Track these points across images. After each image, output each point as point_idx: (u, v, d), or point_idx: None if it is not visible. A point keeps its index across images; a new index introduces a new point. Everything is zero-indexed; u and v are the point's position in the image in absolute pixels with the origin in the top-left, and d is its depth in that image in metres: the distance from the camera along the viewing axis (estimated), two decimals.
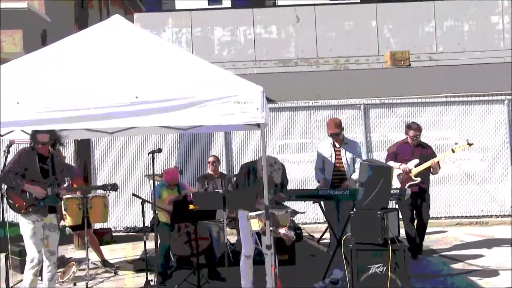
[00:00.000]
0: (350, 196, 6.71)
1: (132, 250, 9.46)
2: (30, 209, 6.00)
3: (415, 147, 7.86)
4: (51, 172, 6.19)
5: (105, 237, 9.86)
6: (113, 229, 10.48)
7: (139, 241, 10.04)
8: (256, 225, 5.33)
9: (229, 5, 24.47)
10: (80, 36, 6.45)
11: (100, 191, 7.48)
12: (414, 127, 7.80)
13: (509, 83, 14.51)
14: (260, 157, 5.73)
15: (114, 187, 7.04)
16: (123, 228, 10.73)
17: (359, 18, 20.93)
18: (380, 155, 10.39)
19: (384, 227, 5.51)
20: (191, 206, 5.80)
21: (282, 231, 5.53)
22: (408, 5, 21.49)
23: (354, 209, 5.93)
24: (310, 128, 11.00)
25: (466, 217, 10.96)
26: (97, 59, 5.67)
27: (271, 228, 5.22)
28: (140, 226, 10.51)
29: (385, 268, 5.52)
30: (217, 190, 8.31)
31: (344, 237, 6.00)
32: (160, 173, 8.10)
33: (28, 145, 6.19)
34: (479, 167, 11.20)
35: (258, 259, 6.44)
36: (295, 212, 7.84)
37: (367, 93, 13.50)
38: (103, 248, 8.54)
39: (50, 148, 6.17)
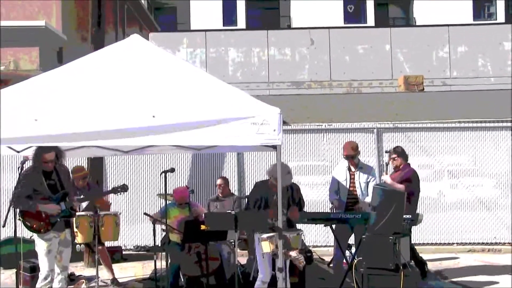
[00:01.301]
0: (361, 220, 6.68)
1: (142, 269, 9.45)
2: (49, 228, 6.03)
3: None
4: (59, 186, 6.23)
5: (115, 255, 9.84)
6: (123, 248, 10.47)
7: (149, 260, 10.05)
8: (267, 247, 5.32)
9: (244, 26, 24.67)
10: (98, 54, 6.56)
11: (110, 209, 7.50)
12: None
13: None
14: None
15: (124, 188, 7.09)
16: (134, 246, 10.70)
17: (373, 42, 21.02)
18: None
19: (396, 252, 5.48)
20: (202, 226, 5.80)
21: (293, 254, 5.51)
22: (423, 29, 21.60)
23: (366, 233, 5.90)
24: (323, 151, 10.98)
25: (479, 243, 10.84)
26: (114, 77, 5.76)
27: (283, 251, 5.21)
28: (151, 245, 10.56)
29: None
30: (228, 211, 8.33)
31: (356, 261, 5.97)
32: (172, 193, 8.13)
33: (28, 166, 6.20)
34: (492, 194, 11.13)
35: (269, 282, 6.42)
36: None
37: (380, 117, 13.48)
38: (113, 267, 8.54)
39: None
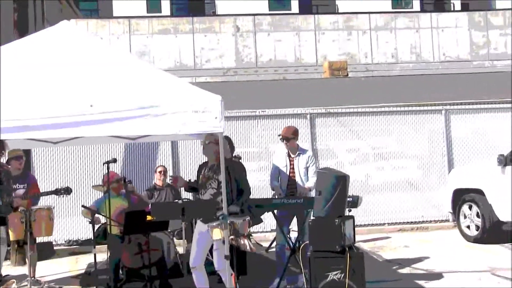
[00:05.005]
0: (304, 205, 6.76)
1: (76, 264, 9.17)
2: None
3: None
4: None
5: (45, 251, 9.49)
6: (54, 243, 10.11)
7: (82, 254, 9.79)
8: (218, 234, 5.28)
9: (169, 13, 24.28)
10: (26, 41, 6.22)
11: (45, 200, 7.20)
12: None
13: (444, 93, 15.07)
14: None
15: (67, 190, 6.81)
16: (65, 241, 10.36)
17: (298, 28, 21.24)
18: (325, 164, 10.58)
19: (342, 234, 5.58)
20: (148, 217, 5.67)
21: (242, 240, 5.50)
22: (346, 17, 22.02)
23: (312, 217, 5.97)
24: (258, 137, 11.03)
25: (408, 223, 11.26)
26: (47, 66, 5.48)
27: (231, 237, 5.19)
28: (84, 239, 10.26)
29: (342, 275, 5.57)
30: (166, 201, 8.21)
31: (303, 245, 6.03)
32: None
33: None
34: (415, 175, 11.56)
35: (210, 270, 6.38)
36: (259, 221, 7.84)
37: (309, 103, 13.67)
38: (44, 263, 8.22)
39: None
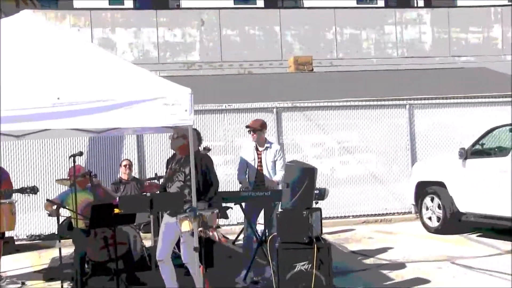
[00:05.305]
0: (271, 197, 6.81)
1: (39, 259, 9.03)
2: None
3: None
4: None
5: (6, 246, 9.28)
6: (15, 238, 9.93)
7: (44, 249, 9.65)
8: (187, 226, 5.28)
9: (131, 6, 23.97)
10: None
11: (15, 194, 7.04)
12: None
13: (408, 88, 15.31)
14: None
15: (33, 190, 6.68)
16: (27, 236, 10.18)
17: (263, 23, 21.26)
18: (293, 157, 10.62)
19: (310, 226, 5.64)
20: (116, 210, 5.62)
21: (210, 232, 5.52)
22: (311, 11, 22.12)
23: (280, 210, 6.02)
24: (224, 131, 11.02)
25: (372, 215, 11.45)
26: (8, 57, 5.33)
27: (200, 229, 5.19)
28: (46, 234, 10.11)
29: (310, 265, 5.63)
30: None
31: (270, 236, 6.08)
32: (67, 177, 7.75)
33: None
34: (379, 168, 11.73)
35: (177, 263, 6.38)
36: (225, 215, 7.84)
37: (275, 98, 13.72)
38: (5, 258, 8.06)
39: None
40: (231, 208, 7.73)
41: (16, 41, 5.64)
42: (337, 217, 11.28)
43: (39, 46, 5.60)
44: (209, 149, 8.04)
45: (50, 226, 9.93)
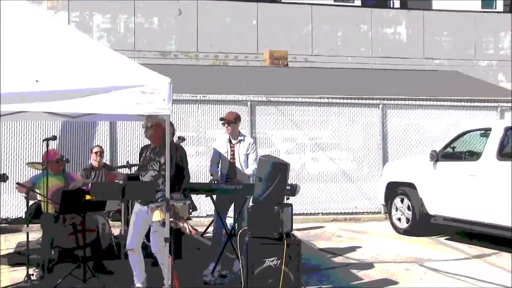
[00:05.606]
0: (243, 191, 6.81)
1: (4, 243, 8.86)
2: None
3: None
4: None
5: None
6: None
7: (11, 233, 9.50)
8: (157, 215, 5.25)
9: None
10: None
11: None
12: None
13: (381, 88, 15.42)
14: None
15: (2, 177, 6.53)
16: None
17: (241, 15, 21.19)
18: (264, 152, 10.65)
19: (281, 221, 5.64)
20: (87, 197, 5.56)
21: (181, 223, 5.48)
22: (288, 6, 22.12)
23: (251, 203, 6.01)
24: (196, 122, 10.97)
25: (341, 213, 11.52)
26: None
27: (171, 219, 5.16)
28: (13, 218, 9.96)
29: (279, 261, 5.64)
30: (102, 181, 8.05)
31: (240, 230, 6.07)
32: (41, 161, 7.63)
33: None
34: (349, 166, 11.81)
35: (143, 253, 6.34)
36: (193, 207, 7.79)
37: (249, 91, 13.71)
38: None
39: None
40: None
41: None
42: (306, 214, 11.33)
43: (19, 28, 5.50)
44: (183, 139, 8.01)
45: (18, 210, 9.79)
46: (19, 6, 5.82)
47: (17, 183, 6.90)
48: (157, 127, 6.00)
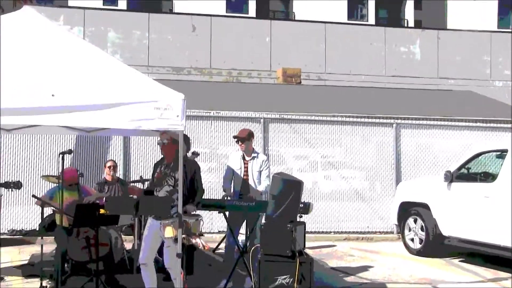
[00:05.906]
0: (256, 208, 6.80)
1: (18, 255, 8.91)
2: None
3: None
4: None
5: None
6: None
7: (25, 245, 9.55)
8: (170, 232, 5.26)
9: (125, 7, 23.96)
10: None
11: None
12: None
13: (394, 107, 15.41)
14: None
15: (17, 185, 6.59)
16: (8, 230, 10.06)
17: (254, 32, 21.35)
18: (277, 169, 10.63)
19: (293, 239, 5.63)
20: (101, 211, 5.58)
21: (193, 239, 5.50)
22: (301, 24, 22.25)
23: (264, 221, 6.01)
24: (209, 138, 10.99)
25: (354, 232, 11.45)
26: (8, 51, 5.32)
27: (183, 236, 5.17)
28: (28, 229, 10.02)
29: (291, 279, 5.62)
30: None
31: (253, 247, 6.06)
32: (58, 175, 7.69)
33: None
34: (362, 185, 11.76)
35: (156, 267, 6.33)
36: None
37: (262, 108, 13.76)
38: None
39: None
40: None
41: (16, 36, 5.62)
42: (319, 232, 11.26)
43: (37, 42, 5.60)
44: (198, 154, 8.03)
45: (33, 222, 9.87)
46: (36, 21, 5.91)
47: (33, 195, 6.95)
48: (172, 143, 6.03)
